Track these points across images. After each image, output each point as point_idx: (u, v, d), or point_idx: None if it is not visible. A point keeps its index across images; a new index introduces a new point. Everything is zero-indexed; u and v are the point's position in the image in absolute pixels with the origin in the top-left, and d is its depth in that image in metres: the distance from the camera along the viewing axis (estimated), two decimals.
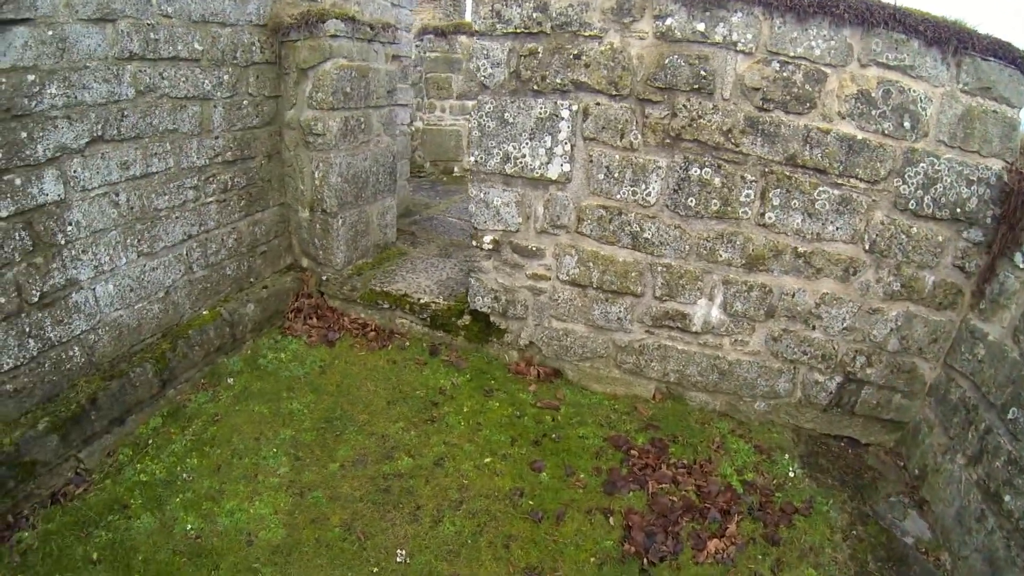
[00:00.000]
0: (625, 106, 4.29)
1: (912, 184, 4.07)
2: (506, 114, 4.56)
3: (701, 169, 4.26)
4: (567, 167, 4.52)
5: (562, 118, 4.42)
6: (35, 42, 3.51)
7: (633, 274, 4.59)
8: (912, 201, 4.10)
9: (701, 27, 4.01)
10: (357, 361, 5.10)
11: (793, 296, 4.43)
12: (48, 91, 3.60)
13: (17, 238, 3.55)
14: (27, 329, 3.65)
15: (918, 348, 4.43)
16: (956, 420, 4.10)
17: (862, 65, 3.96)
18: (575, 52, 4.26)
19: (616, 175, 4.43)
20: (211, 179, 4.86)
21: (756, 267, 4.40)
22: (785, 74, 4.02)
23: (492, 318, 5.17)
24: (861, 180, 4.12)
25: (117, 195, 4.15)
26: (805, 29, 3.93)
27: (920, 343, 4.41)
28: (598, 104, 4.34)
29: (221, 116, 4.85)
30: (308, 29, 5.04)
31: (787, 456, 4.48)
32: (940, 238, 4.16)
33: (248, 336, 5.20)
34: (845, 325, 4.43)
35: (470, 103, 10.74)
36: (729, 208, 4.30)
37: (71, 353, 3.96)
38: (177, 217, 4.61)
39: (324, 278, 5.70)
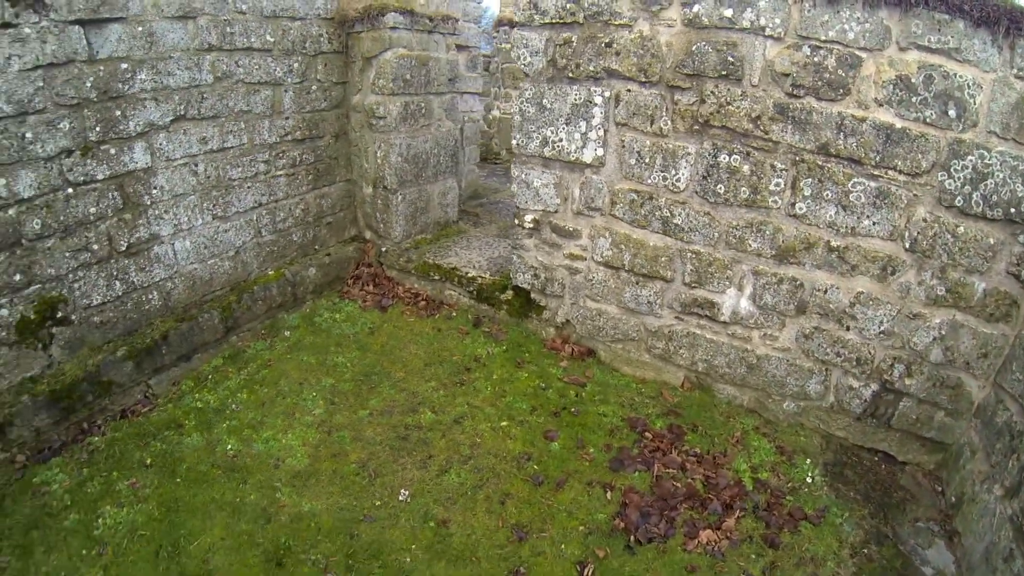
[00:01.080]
0: (655, 92, 4.27)
1: (959, 179, 3.69)
2: (544, 100, 4.66)
3: (730, 156, 4.17)
4: (600, 151, 4.56)
5: (595, 104, 4.47)
6: (127, 36, 4.09)
7: (663, 259, 4.57)
8: (959, 198, 3.71)
9: (728, 13, 3.91)
10: (405, 326, 5.41)
11: (825, 292, 4.19)
12: (138, 77, 4.19)
13: (110, 197, 4.19)
14: (115, 273, 4.30)
15: (965, 362, 3.98)
16: (999, 446, 3.62)
17: (901, 48, 3.68)
18: (606, 40, 4.30)
19: (647, 160, 4.42)
20: (281, 155, 5.31)
21: (787, 259, 4.23)
22: (816, 59, 3.82)
23: (532, 294, 5.29)
24: (900, 172, 3.80)
25: (196, 165, 4.68)
26: (837, 11, 3.72)
27: (967, 356, 3.96)
28: (629, 91, 4.34)
29: (291, 99, 5.29)
30: (370, 21, 5.38)
31: (809, 461, 4.23)
32: (992, 240, 3.73)
33: (308, 297, 5.64)
34: (882, 328, 4.11)
35: None
36: (758, 196, 4.17)
37: (150, 296, 4.57)
38: (249, 187, 5.09)
39: (383, 249, 6.04)
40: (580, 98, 4.51)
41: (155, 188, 4.45)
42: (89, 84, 3.91)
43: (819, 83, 3.88)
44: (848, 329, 4.23)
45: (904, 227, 3.90)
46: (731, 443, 4.33)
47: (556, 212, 4.91)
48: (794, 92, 3.95)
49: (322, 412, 4.36)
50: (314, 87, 5.47)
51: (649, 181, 4.45)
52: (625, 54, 4.26)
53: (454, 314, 5.62)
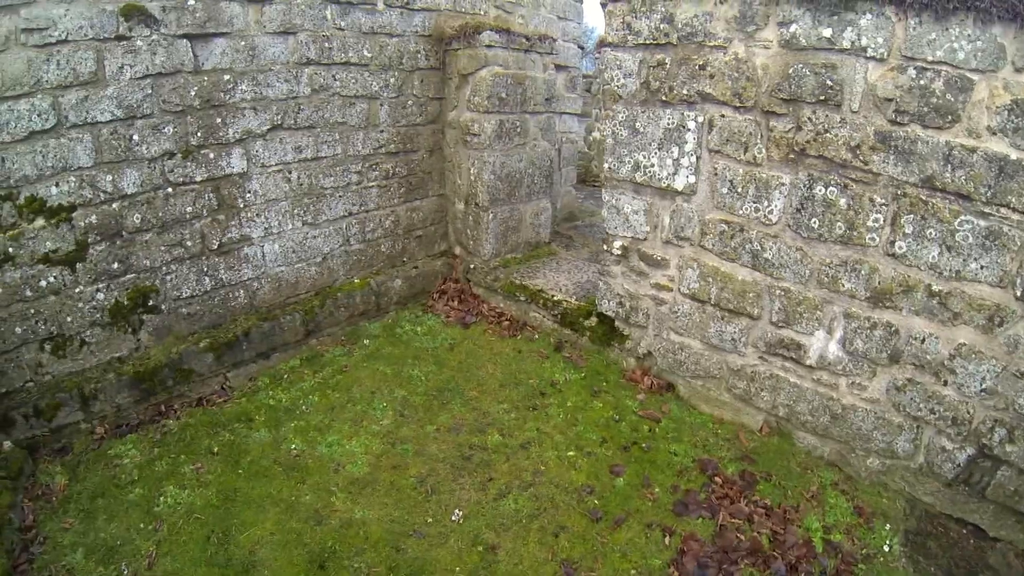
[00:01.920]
0: (749, 118, 4.34)
1: None
2: (637, 123, 4.84)
3: (826, 188, 4.16)
4: (692, 179, 4.67)
5: (688, 129, 4.60)
6: (231, 50, 4.65)
7: (751, 295, 4.59)
8: None
9: (827, 33, 3.91)
10: (485, 345, 5.70)
11: (923, 342, 4.02)
12: (239, 88, 4.74)
13: (206, 198, 4.76)
14: (205, 269, 4.87)
15: None
16: None
17: (1017, 69, 3.48)
18: (700, 63, 4.42)
19: (739, 190, 4.48)
20: (374, 167, 5.78)
21: (882, 302, 4.13)
22: (922, 82, 3.70)
23: (616, 322, 5.44)
24: (1014, 210, 3.59)
25: (290, 173, 5.20)
26: (945, 29, 3.60)
27: None
28: (723, 116, 4.44)
29: (387, 113, 5.75)
30: (466, 40, 5.77)
31: (889, 527, 4.03)
32: None
33: (392, 307, 6.07)
34: (984, 386, 3.86)
35: None
36: (855, 233, 4.12)
37: (237, 294, 5.11)
38: (340, 196, 5.58)
39: (471, 266, 6.39)
40: (673, 122, 4.65)
41: (249, 192, 5.00)
42: (193, 93, 4.50)
43: (925, 109, 3.74)
44: (945, 384, 4.00)
45: (1016, 273, 3.66)
46: (805, 497, 4.22)
47: (645, 240, 5.06)
48: (897, 119, 3.86)
49: (389, 423, 4.69)
50: (410, 102, 5.93)
51: (741, 212, 4.51)
52: (719, 77, 4.36)
53: (536, 336, 5.86)
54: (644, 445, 4.58)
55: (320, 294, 5.61)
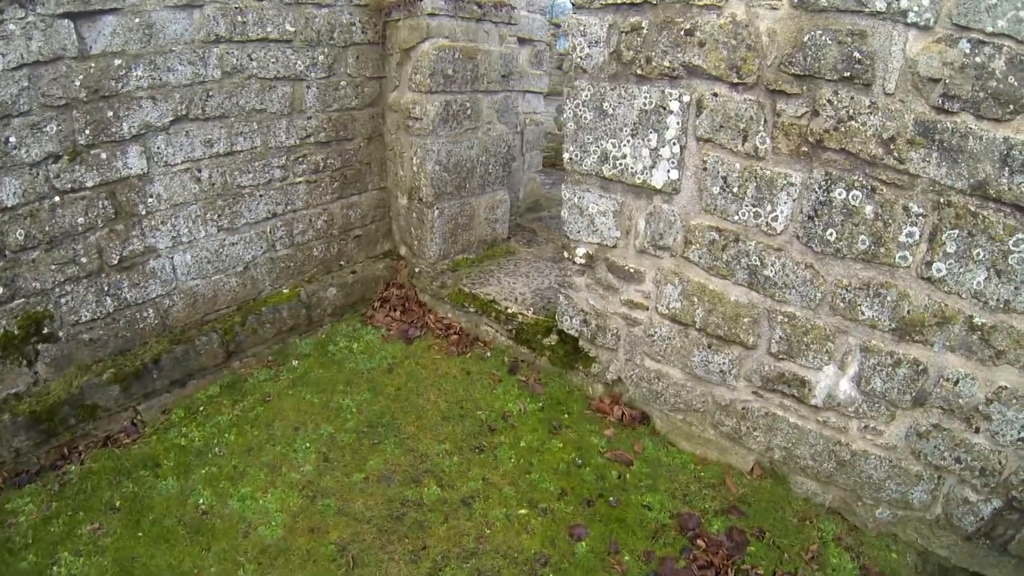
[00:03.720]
0: (750, 99, 2.92)
1: None
2: (605, 103, 3.37)
3: (848, 191, 2.78)
4: (675, 174, 3.25)
5: (670, 111, 3.16)
6: (123, 29, 3.32)
7: (746, 319, 3.24)
8: None
9: None
10: (430, 365, 4.31)
11: (956, 383, 2.77)
12: (134, 74, 3.40)
13: (100, 206, 3.44)
14: (105, 288, 3.57)
15: None
16: None
17: None
18: (686, 27, 2.97)
19: (735, 190, 3.08)
20: (301, 159, 4.33)
21: (910, 335, 2.82)
22: (978, 59, 2.38)
23: (580, 342, 4.06)
24: None
25: (200, 171, 3.80)
26: None
27: None
28: (715, 95, 3.01)
29: (315, 97, 4.29)
30: (407, 7, 4.27)
31: None
32: None
33: (326, 319, 4.67)
34: (1023, 435, 2.70)
35: None
36: (882, 250, 2.78)
37: (145, 314, 3.79)
38: (262, 195, 4.16)
39: (416, 270, 4.95)
40: (651, 102, 3.21)
41: (151, 196, 3.62)
42: (79, 83, 3.19)
43: (981, 95, 2.42)
44: (978, 431, 2.80)
45: None
46: (804, 559, 3.02)
47: (615, 247, 3.64)
48: (945, 106, 2.50)
49: (312, 469, 3.39)
50: (343, 83, 4.43)
51: (736, 217, 3.11)
52: (711, 45, 2.93)
53: (488, 354, 4.44)
54: (612, 499, 3.30)
55: (243, 309, 4.22)
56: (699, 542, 3.07)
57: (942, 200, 2.63)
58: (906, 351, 2.88)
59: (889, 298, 2.83)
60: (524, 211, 6.01)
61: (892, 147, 2.68)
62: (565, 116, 3.55)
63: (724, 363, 3.38)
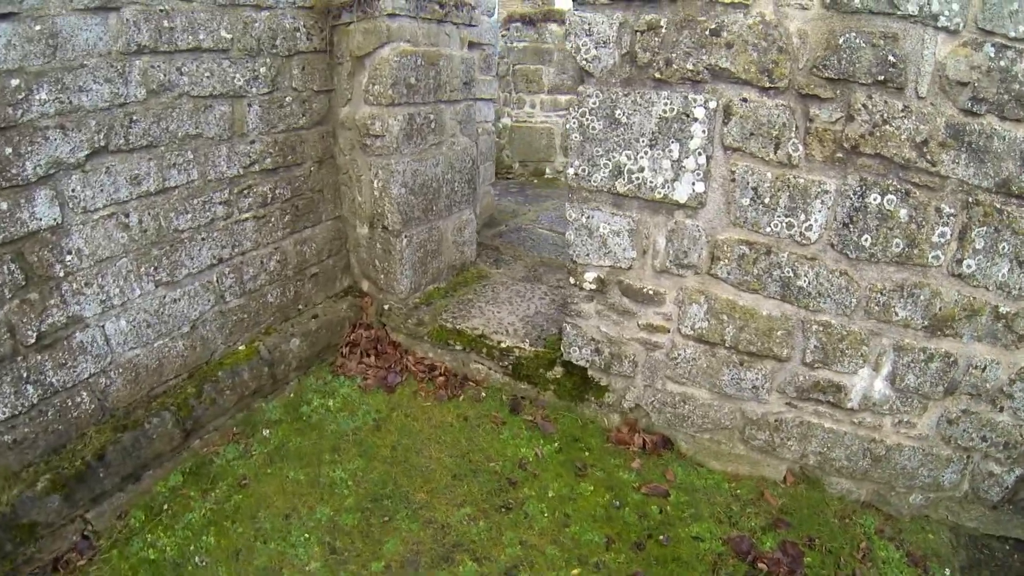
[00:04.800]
0: (781, 103, 2.86)
1: None
2: (617, 111, 3.17)
3: (883, 196, 2.81)
4: (700, 187, 3.12)
5: (695, 119, 3.02)
6: (20, 39, 2.62)
7: (779, 333, 3.19)
8: None
9: None
10: (420, 414, 3.91)
11: (984, 370, 2.94)
12: (37, 96, 2.70)
13: (6, 272, 2.71)
14: (24, 374, 2.84)
15: None
16: None
17: None
18: (712, 26, 2.85)
19: (767, 200, 3.00)
20: (246, 191, 3.76)
21: (941, 330, 2.94)
22: (1003, 63, 2.52)
23: (591, 372, 3.84)
24: None
25: (127, 216, 3.16)
26: None
27: None
28: (745, 100, 2.91)
29: (257, 116, 3.73)
30: (362, 8, 3.82)
31: (948, 571, 3.07)
32: None
33: (292, 375, 4.11)
34: None
35: (563, 98, 9.21)
36: (916, 251, 2.84)
37: (78, 399, 3.09)
38: (204, 239, 3.56)
39: (386, 307, 4.49)
40: (672, 109, 3.05)
41: (70, 253, 2.95)
42: None
43: (1005, 97, 2.58)
44: (1001, 410, 3.03)
45: None
46: (857, 559, 3.07)
47: (629, 269, 3.45)
48: (973, 108, 2.63)
49: (320, 567, 2.89)
50: (288, 98, 3.89)
51: (768, 229, 3.04)
52: (740, 47, 2.83)
53: (483, 395, 4.10)
54: (661, 537, 3.15)
55: (195, 376, 3.60)
56: (759, 565, 3.02)
57: (971, 199, 2.75)
58: (938, 345, 3.00)
59: (922, 297, 2.92)
60: (482, 227, 5.69)
61: (925, 150, 2.74)
62: (569, 126, 3.31)
63: (757, 379, 3.33)
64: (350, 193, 4.40)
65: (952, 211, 2.77)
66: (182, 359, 3.57)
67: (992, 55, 2.56)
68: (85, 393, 3.13)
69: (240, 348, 3.83)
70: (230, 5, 3.43)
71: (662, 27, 2.95)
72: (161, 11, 3.11)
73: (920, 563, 3.11)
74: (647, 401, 3.70)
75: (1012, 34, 2.52)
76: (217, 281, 3.69)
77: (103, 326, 3.16)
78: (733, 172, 3.03)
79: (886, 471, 3.31)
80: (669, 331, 3.47)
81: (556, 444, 3.68)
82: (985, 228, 2.74)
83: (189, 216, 3.46)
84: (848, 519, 3.33)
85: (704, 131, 3.02)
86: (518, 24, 9.07)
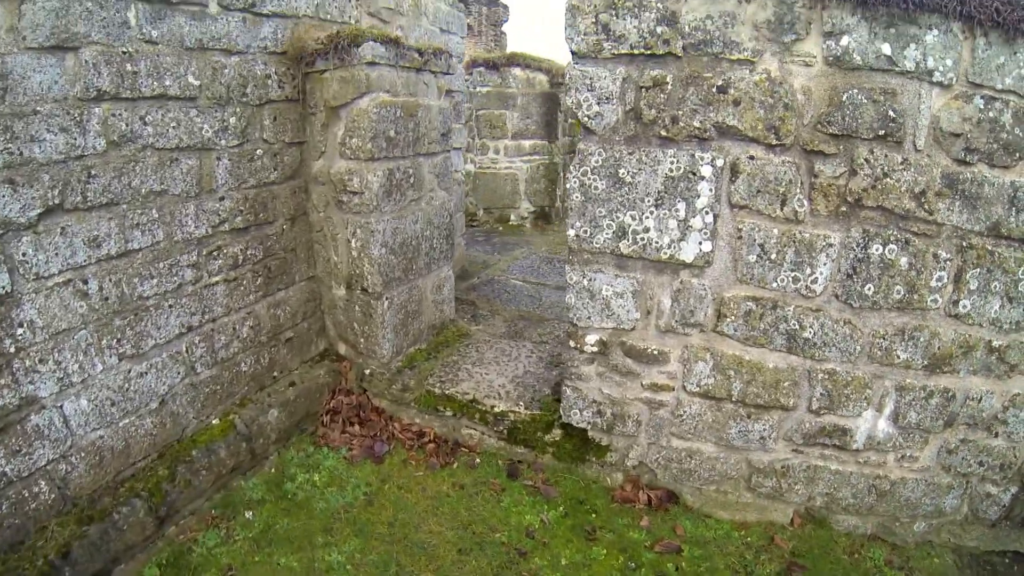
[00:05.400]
0: (788, 160, 2.91)
1: None
2: (621, 170, 3.12)
3: (884, 246, 2.90)
4: (707, 246, 3.10)
5: (702, 177, 3.01)
6: None
7: (786, 384, 3.21)
8: None
9: (887, 49, 2.67)
10: (414, 485, 3.65)
11: (980, 401, 3.11)
12: None
13: None
14: None
15: None
16: None
17: None
18: (718, 83, 2.88)
19: (773, 256, 3.03)
20: (216, 253, 3.48)
21: (940, 368, 3.06)
22: (991, 114, 2.72)
23: (591, 433, 3.72)
24: None
25: (85, 282, 2.83)
26: (1014, 53, 2.65)
27: None
28: (752, 158, 2.94)
29: (226, 170, 3.47)
30: (339, 55, 3.62)
31: None
32: None
33: (271, 449, 3.77)
34: None
35: (527, 143, 9.19)
36: (915, 296, 2.95)
37: (36, 489, 2.71)
38: (171, 305, 3.24)
39: (367, 372, 4.22)
40: (678, 168, 3.03)
41: (21, 326, 2.60)
42: None
43: (994, 146, 2.78)
44: (996, 435, 3.22)
45: None
46: None
47: (632, 330, 3.37)
48: (965, 158, 2.80)
49: None
50: (259, 151, 3.64)
51: (775, 284, 3.06)
52: (747, 104, 2.87)
53: (477, 460, 3.88)
54: None
55: (167, 456, 3.24)
56: None
57: (964, 243, 2.91)
58: (937, 382, 3.15)
59: (922, 339, 3.05)
60: (455, 280, 5.49)
61: (923, 200, 2.86)
62: (570, 186, 3.24)
63: (764, 429, 3.33)
64: (325, 252, 4.15)
65: (948, 256, 2.91)
66: (151, 438, 3.21)
67: (981, 107, 2.73)
68: (44, 482, 2.76)
69: (214, 422, 3.49)
70: (198, 49, 3.19)
71: (668, 83, 2.95)
72: (124, 53, 2.84)
73: None
74: (651, 459, 3.62)
75: (999, 86, 2.71)
76: (187, 351, 3.36)
77: (61, 407, 2.80)
78: (740, 229, 3.05)
79: (891, 504, 3.41)
80: (674, 389, 3.42)
81: (561, 508, 3.53)
82: (978, 269, 2.90)
83: (155, 281, 3.14)
84: (857, 553, 3.39)
85: (711, 189, 3.02)
86: (481, 68, 8.98)
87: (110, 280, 2.94)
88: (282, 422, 3.79)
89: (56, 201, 2.66)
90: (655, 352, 3.36)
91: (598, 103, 3.09)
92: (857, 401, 3.17)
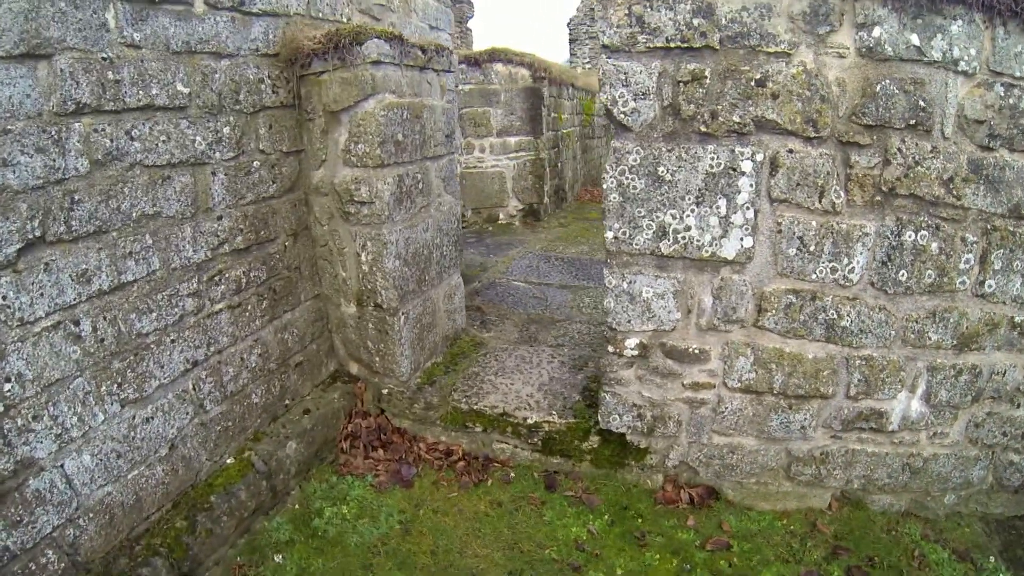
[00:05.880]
0: (825, 153, 2.90)
1: None
2: (660, 168, 3.02)
3: (916, 232, 2.95)
4: (748, 241, 3.05)
5: (742, 172, 2.95)
6: None
7: (825, 373, 3.22)
8: None
9: (915, 39, 2.70)
10: (449, 508, 3.46)
11: (1004, 375, 3.24)
12: None
13: None
14: None
15: None
16: None
17: None
18: (756, 77, 2.83)
19: (812, 248, 3.02)
20: (217, 278, 3.17)
21: (968, 347, 3.16)
22: (1011, 100, 2.82)
23: (629, 437, 3.63)
24: None
25: (77, 324, 2.50)
26: None
27: None
28: (791, 151, 2.91)
29: (223, 186, 3.17)
30: (339, 55, 3.33)
31: (991, 558, 3.28)
32: None
33: (292, 483, 3.49)
34: None
35: (512, 140, 8.95)
36: (945, 279, 3.03)
37: (44, 560, 2.40)
38: (174, 340, 2.94)
39: (384, 392, 3.97)
40: (719, 164, 2.96)
41: (8, 380, 2.27)
42: None
43: (1014, 131, 2.88)
44: (1019, 406, 3.35)
45: None
46: (915, 567, 3.21)
47: (673, 331, 3.30)
48: (989, 144, 2.89)
49: None
50: (256, 163, 3.34)
51: (814, 276, 3.06)
52: (785, 97, 2.83)
53: (512, 475, 3.73)
54: None
55: (182, 504, 2.93)
56: None
57: (989, 226, 3.00)
58: (965, 360, 3.25)
59: (951, 320, 3.14)
60: None
61: (951, 186, 2.94)
62: (607, 187, 3.11)
63: (804, 419, 3.35)
64: (331, 268, 3.86)
65: (975, 239, 2.99)
66: (163, 487, 2.91)
67: (1002, 94, 2.82)
68: (51, 551, 2.44)
69: (229, 461, 3.20)
70: (186, 52, 2.88)
71: (706, 77, 2.87)
72: (104, 59, 2.52)
73: (966, 557, 3.31)
74: (693, 457, 3.58)
75: (1017, 73, 2.81)
76: (194, 388, 3.05)
77: (62, 466, 2.48)
78: (779, 223, 3.02)
79: (924, 480, 3.51)
80: (714, 386, 3.38)
81: (607, 517, 3.44)
82: (1002, 250, 3.00)
83: (154, 315, 2.82)
84: (894, 531, 3.47)
85: (752, 184, 2.98)
86: (463, 66, 8.64)
87: (104, 319, 2.61)
88: (301, 453, 3.51)
89: (37, 233, 2.32)
90: (696, 351, 3.31)
91: (634, 99, 2.98)
92: (892, 384, 3.23)
